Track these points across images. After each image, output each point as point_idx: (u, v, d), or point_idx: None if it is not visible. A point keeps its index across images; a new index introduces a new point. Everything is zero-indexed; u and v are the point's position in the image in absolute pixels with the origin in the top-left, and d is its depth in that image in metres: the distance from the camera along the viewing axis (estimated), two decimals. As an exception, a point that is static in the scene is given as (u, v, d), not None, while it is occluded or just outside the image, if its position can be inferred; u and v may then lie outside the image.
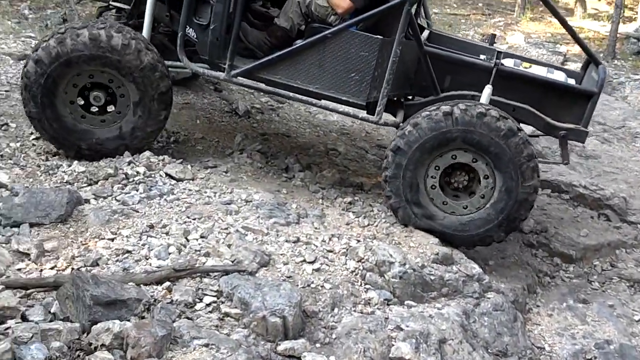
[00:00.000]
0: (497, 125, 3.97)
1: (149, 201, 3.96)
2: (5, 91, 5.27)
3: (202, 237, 3.61)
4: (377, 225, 4.27)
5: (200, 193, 4.15)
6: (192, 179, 4.34)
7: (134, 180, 4.15)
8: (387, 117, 4.53)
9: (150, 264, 3.30)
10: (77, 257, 3.29)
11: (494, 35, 5.27)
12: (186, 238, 3.58)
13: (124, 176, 4.17)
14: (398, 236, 4.13)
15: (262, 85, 4.43)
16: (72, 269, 3.18)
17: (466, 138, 4.00)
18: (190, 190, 4.16)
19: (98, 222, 3.63)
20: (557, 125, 4.41)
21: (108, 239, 3.47)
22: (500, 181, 4.08)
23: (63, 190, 3.76)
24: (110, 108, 4.42)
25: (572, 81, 4.67)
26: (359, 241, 3.92)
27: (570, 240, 5.20)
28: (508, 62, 4.59)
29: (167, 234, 3.60)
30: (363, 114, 4.46)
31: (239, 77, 4.35)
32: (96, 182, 4.10)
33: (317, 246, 3.75)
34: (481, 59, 4.54)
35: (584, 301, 4.70)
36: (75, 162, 4.32)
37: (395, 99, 4.66)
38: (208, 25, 4.22)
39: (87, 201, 3.86)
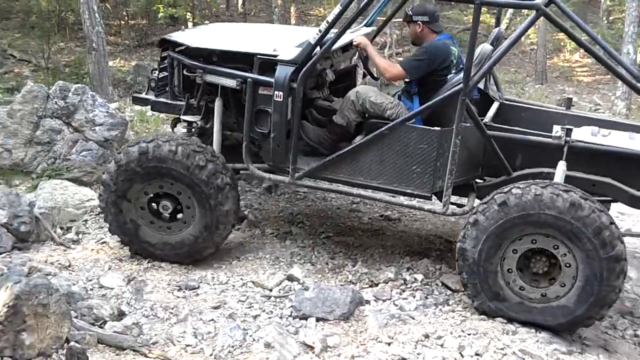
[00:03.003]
0: (563, 205, 3.61)
1: (424, 309, 4.03)
2: (303, 192, 5.90)
3: (477, 354, 3.51)
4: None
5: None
6: (468, 291, 4.30)
7: (411, 287, 4.28)
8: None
9: (425, 375, 3.31)
10: (356, 356, 3.44)
11: (570, 99, 4.98)
12: (460, 353, 3.51)
13: (402, 281, 4.33)
14: None
15: (325, 185, 4.44)
16: (352, 368, 3.33)
17: (529, 222, 3.69)
18: (465, 303, 4.12)
19: (377, 325, 3.77)
20: None
21: (385, 343, 3.57)
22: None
23: (348, 289, 4.01)
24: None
25: None
26: (656, 385, 3.45)
27: None
28: (584, 131, 4.21)
29: (441, 345, 3.58)
30: (429, 205, 4.35)
31: (303, 179, 4.37)
32: (376, 285, 4.31)
33: (604, 384, 3.39)
34: (552, 135, 4.14)
35: None
36: (359, 262, 4.61)
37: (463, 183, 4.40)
38: (269, 133, 4.31)
39: (368, 302, 4.06)
